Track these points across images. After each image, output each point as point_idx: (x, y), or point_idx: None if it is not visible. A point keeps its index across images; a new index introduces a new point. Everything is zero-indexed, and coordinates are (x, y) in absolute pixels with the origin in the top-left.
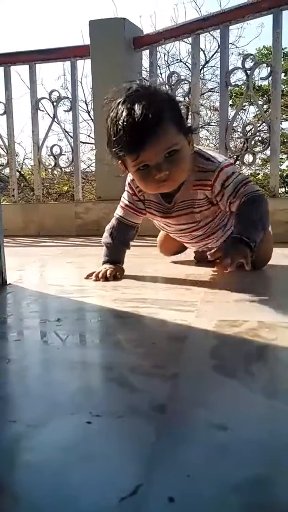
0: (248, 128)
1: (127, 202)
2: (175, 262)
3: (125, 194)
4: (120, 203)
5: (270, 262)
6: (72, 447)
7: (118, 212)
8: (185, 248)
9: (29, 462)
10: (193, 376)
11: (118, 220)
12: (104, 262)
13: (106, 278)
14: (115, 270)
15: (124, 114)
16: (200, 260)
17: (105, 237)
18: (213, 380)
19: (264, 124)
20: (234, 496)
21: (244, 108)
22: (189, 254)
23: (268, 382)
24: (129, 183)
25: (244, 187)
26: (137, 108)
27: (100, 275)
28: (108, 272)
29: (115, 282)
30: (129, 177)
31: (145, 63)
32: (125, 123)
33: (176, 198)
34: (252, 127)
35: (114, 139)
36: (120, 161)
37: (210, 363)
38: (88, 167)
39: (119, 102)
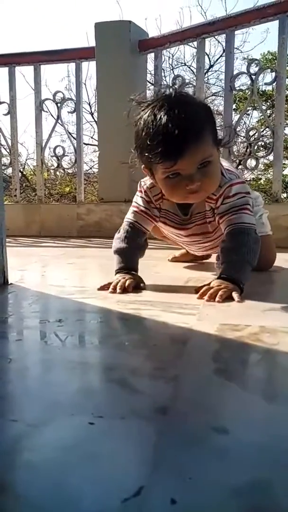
0: (251, 133)
1: (143, 208)
2: (176, 264)
3: (139, 200)
4: (133, 209)
5: (272, 268)
6: (73, 447)
7: (131, 217)
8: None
9: (30, 462)
10: (194, 379)
11: (132, 225)
12: (119, 271)
13: (124, 289)
14: (134, 280)
15: (165, 119)
16: (196, 258)
17: (118, 243)
18: (214, 383)
19: (267, 129)
20: (235, 499)
21: (248, 112)
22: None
23: (268, 386)
24: (145, 190)
25: (237, 213)
26: (180, 114)
27: (118, 286)
28: (127, 283)
29: None
30: (145, 184)
31: (150, 66)
32: (166, 129)
33: (193, 209)
34: (256, 132)
35: (149, 143)
36: (146, 166)
37: (211, 366)
38: (91, 168)
39: (156, 105)
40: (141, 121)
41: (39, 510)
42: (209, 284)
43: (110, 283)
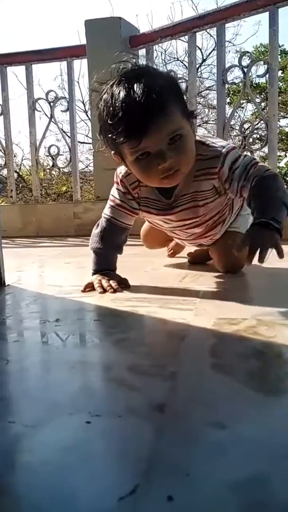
0: (246, 126)
1: (119, 201)
2: (172, 261)
3: (114, 192)
4: (110, 202)
5: (270, 260)
6: (71, 447)
7: (108, 212)
8: (169, 242)
9: (29, 463)
10: (192, 374)
11: (109, 222)
12: (96, 271)
13: (114, 290)
14: (117, 279)
15: (123, 94)
16: (194, 262)
17: (95, 242)
18: (211, 379)
19: (261, 121)
20: (233, 494)
21: (242, 106)
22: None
23: (266, 380)
24: (121, 180)
25: (253, 167)
26: (138, 87)
27: (106, 287)
28: (113, 284)
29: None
30: (120, 173)
31: (142, 62)
32: (124, 104)
33: (177, 192)
34: (250, 125)
35: (110, 123)
36: (115, 151)
37: (209, 361)
38: (87, 167)
39: (114, 82)
40: (101, 101)
41: (38, 510)
42: (245, 235)
43: (91, 283)
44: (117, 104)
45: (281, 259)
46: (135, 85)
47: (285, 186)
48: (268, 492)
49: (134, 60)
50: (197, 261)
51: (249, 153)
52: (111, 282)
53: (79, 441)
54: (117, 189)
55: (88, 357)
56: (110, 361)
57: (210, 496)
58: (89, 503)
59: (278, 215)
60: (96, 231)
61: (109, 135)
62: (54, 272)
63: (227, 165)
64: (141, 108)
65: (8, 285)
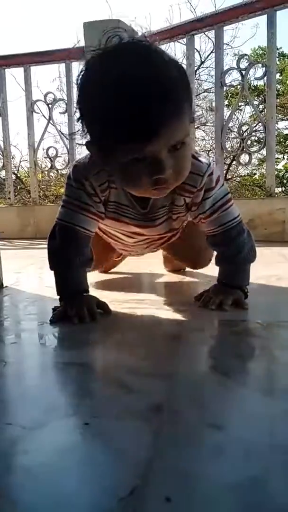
0: (244, 128)
1: (83, 204)
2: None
3: (77, 193)
4: (69, 206)
5: (267, 263)
6: (69, 449)
7: (67, 218)
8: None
9: (26, 465)
10: (190, 376)
11: (71, 231)
12: (67, 296)
13: (93, 318)
14: (95, 302)
15: (129, 79)
16: (173, 270)
17: (57, 259)
18: (209, 380)
19: (259, 124)
20: (230, 495)
21: (240, 108)
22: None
23: (264, 381)
24: (85, 178)
25: (223, 207)
26: (150, 74)
27: (82, 315)
28: (92, 311)
29: (112, 283)
30: (82, 168)
31: None
32: (132, 95)
33: (154, 202)
34: (248, 127)
35: (105, 114)
36: (96, 143)
37: (207, 363)
38: None
39: (111, 55)
40: (89, 74)
41: None
42: (208, 290)
43: (62, 312)
44: (120, 92)
45: (245, 308)
46: (146, 70)
47: (250, 237)
48: (266, 493)
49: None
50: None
51: (247, 156)
52: (87, 308)
53: (77, 443)
54: (78, 188)
55: (86, 359)
56: (108, 363)
57: (208, 497)
58: (87, 504)
59: (245, 280)
60: (54, 244)
61: (100, 127)
62: (52, 274)
63: (204, 188)
64: (157, 105)
65: (6, 286)
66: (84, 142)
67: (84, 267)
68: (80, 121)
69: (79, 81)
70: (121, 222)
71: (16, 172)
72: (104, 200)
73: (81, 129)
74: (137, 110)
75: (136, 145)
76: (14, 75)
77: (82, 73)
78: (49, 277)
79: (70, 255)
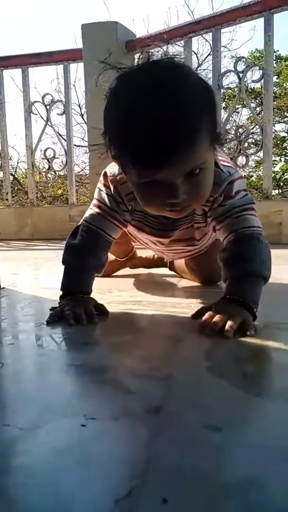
0: (241, 130)
1: (110, 210)
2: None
3: (104, 198)
4: (95, 209)
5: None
6: (66, 450)
7: (92, 220)
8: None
9: (24, 465)
10: (187, 377)
11: (93, 233)
12: (68, 293)
13: (90, 320)
14: (92, 304)
15: (145, 106)
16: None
17: (71, 255)
18: (207, 382)
19: (257, 126)
20: (228, 497)
21: (237, 110)
22: None
23: (262, 383)
24: (114, 187)
25: (238, 214)
26: (168, 101)
27: (79, 316)
28: (89, 313)
29: (109, 284)
30: (113, 177)
31: None
32: (146, 123)
33: None
34: (245, 130)
35: (120, 137)
36: (117, 161)
37: (204, 364)
38: (82, 170)
39: (136, 79)
40: (114, 96)
41: None
42: (209, 308)
43: (59, 311)
44: (136, 118)
45: (251, 334)
46: (163, 95)
47: (269, 253)
48: (264, 495)
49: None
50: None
51: (244, 158)
52: (85, 309)
53: (74, 444)
54: (108, 194)
55: (83, 360)
56: (105, 364)
57: (205, 499)
58: (85, 505)
59: (255, 298)
60: (73, 242)
61: (118, 149)
62: (50, 275)
63: (222, 196)
64: (169, 132)
65: (3, 288)
66: (110, 155)
67: (95, 271)
68: (105, 136)
69: (107, 97)
70: (142, 232)
71: (13, 173)
72: (132, 208)
73: (105, 143)
74: (150, 137)
75: (149, 171)
76: (12, 76)
77: (109, 90)
78: (46, 278)
79: (86, 255)
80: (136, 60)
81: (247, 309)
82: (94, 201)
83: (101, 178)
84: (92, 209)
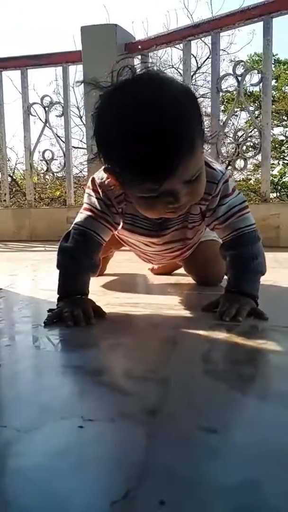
0: (239, 133)
1: (100, 212)
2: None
3: (95, 202)
4: (86, 212)
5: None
6: (63, 451)
7: (83, 223)
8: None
9: (20, 467)
10: (184, 380)
11: (85, 235)
12: (65, 296)
13: (88, 322)
14: (90, 305)
15: (140, 119)
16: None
17: (66, 258)
18: (204, 384)
19: (255, 129)
20: (225, 499)
21: (236, 113)
22: None
23: (258, 385)
24: (103, 191)
25: (238, 213)
26: (165, 114)
27: (77, 318)
28: (87, 314)
29: (107, 285)
30: (100, 181)
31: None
32: (144, 136)
33: None
34: (244, 133)
35: (120, 154)
36: (112, 173)
37: (201, 366)
38: (81, 172)
39: (126, 94)
40: (104, 113)
41: None
42: (218, 301)
43: (57, 313)
44: (132, 132)
45: (266, 318)
46: (158, 108)
47: (263, 250)
48: (260, 496)
49: (140, 65)
50: (163, 273)
51: (242, 162)
52: (83, 310)
53: (71, 446)
54: (97, 198)
55: (80, 362)
56: (102, 366)
57: (202, 500)
58: (81, 507)
59: (256, 290)
60: (66, 244)
61: (117, 166)
62: (47, 276)
63: (219, 195)
64: (169, 146)
65: (1, 289)
66: (102, 168)
67: (90, 272)
68: (99, 151)
69: (94, 115)
70: (134, 234)
71: (11, 174)
72: (121, 211)
73: (98, 156)
74: (151, 153)
75: (151, 185)
76: (11, 77)
77: (97, 107)
78: (44, 279)
79: (80, 257)
80: (118, 73)
81: (251, 298)
82: (85, 206)
83: (89, 184)
84: (83, 213)
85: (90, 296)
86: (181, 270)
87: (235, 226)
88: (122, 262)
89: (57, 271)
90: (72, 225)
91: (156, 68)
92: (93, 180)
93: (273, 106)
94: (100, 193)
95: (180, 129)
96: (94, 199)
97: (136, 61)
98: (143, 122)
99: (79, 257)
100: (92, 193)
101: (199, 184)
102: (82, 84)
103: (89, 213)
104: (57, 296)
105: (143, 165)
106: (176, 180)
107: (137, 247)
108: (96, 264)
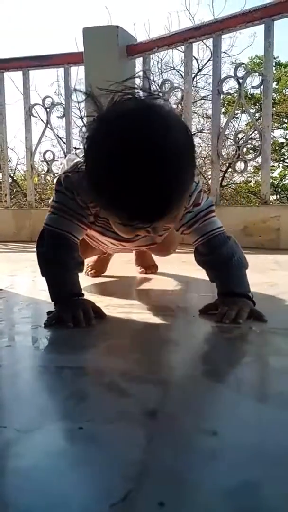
0: (240, 135)
1: (73, 213)
2: (165, 268)
3: (68, 202)
4: (58, 212)
5: (260, 270)
6: (62, 452)
7: (58, 224)
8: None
9: (20, 468)
10: (184, 381)
11: (63, 237)
12: (62, 300)
13: (89, 322)
14: (90, 306)
15: (136, 161)
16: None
17: (49, 264)
18: (203, 385)
19: (255, 132)
20: (224, 501)
21: (236, 116)
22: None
23: (258, 387)
24: (77, 191)
25: (204, 218)
26: (161, 158)
27: (79, 318)
28: (88, 315)
29: (106, 287)
30: (72, 183)
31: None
32: (142, 181)
33: None
34: (244, 135)
35: (111, 191)
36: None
37: (201, 368)
38: None
39: (122, 129)
40: (99, 148)
41: None
42: (215, 304)
43: (57, 315)
44: (127, 172)
45: (265, 320)
46: (155, 151)
47: (238, 245)
48: (259, 498)
49: (141, 90)
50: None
51: (243, 163)
52: (83, 311)
53: (70, 447)
54: (71, 199)
55: (80, 363)
56: (102, 367)
57: (201, 502)
58: (80, 508)
59: (247, 288)
60: (44, 250)
61: (101, 198)
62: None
63: (192, 204)
64: (166, 196)
65: (1, 289)
66: (84, 184)
67: (76, 271)
68: (86, 175)
69: (87, 141)
70: (105, 236)
71: (12, 175)
72: (95, 213)
73: (85, 181)
74: (147, 199)
75: (137, 223)
76: (12, 78)
77: (91, 135)
78: (44, 280)
79: (62, 259)
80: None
81: (246, 298)
82: (55, 204)
83: (61, 181)
84: (54, 213)
85: (90, 298)
86: (182, 272)
87: (203, 231)
88: (122, 264)
89: None
90: (44, 227)
91: (163, 99)
92: (67, 177)
93: (274, 108)
94: (75, 193)
95: (176, 179)
96: (67, 198)
97: (138, 65)
98: (141, 167)
99: (63, 261)
100: (66, 192)
101: (177, 217)
102: (84, 85)
103: (61, 213)
104: (53, 302)
105: (134, 209)
106: (163, 221)
107: (105, 244)
108: (80, 261)
